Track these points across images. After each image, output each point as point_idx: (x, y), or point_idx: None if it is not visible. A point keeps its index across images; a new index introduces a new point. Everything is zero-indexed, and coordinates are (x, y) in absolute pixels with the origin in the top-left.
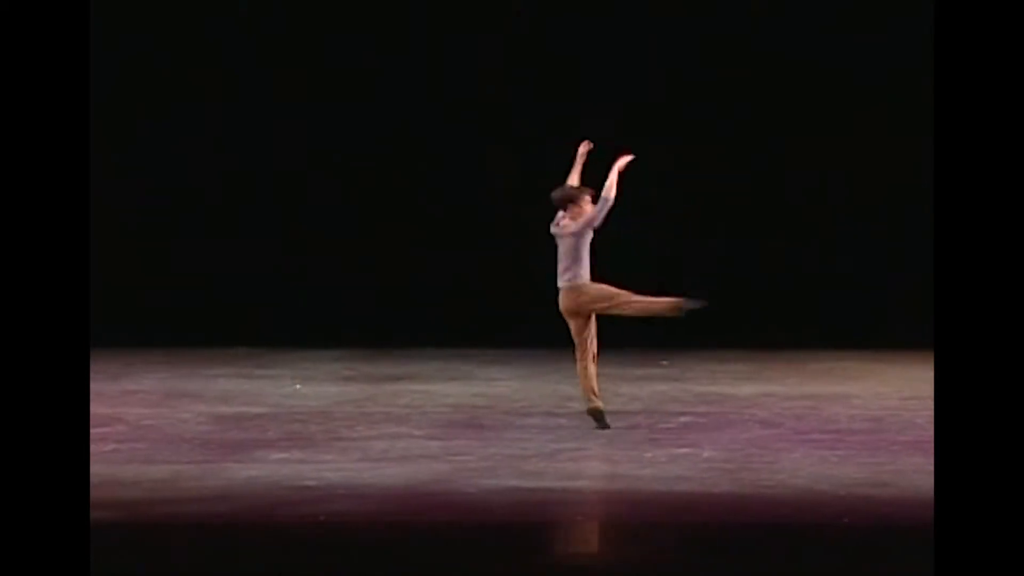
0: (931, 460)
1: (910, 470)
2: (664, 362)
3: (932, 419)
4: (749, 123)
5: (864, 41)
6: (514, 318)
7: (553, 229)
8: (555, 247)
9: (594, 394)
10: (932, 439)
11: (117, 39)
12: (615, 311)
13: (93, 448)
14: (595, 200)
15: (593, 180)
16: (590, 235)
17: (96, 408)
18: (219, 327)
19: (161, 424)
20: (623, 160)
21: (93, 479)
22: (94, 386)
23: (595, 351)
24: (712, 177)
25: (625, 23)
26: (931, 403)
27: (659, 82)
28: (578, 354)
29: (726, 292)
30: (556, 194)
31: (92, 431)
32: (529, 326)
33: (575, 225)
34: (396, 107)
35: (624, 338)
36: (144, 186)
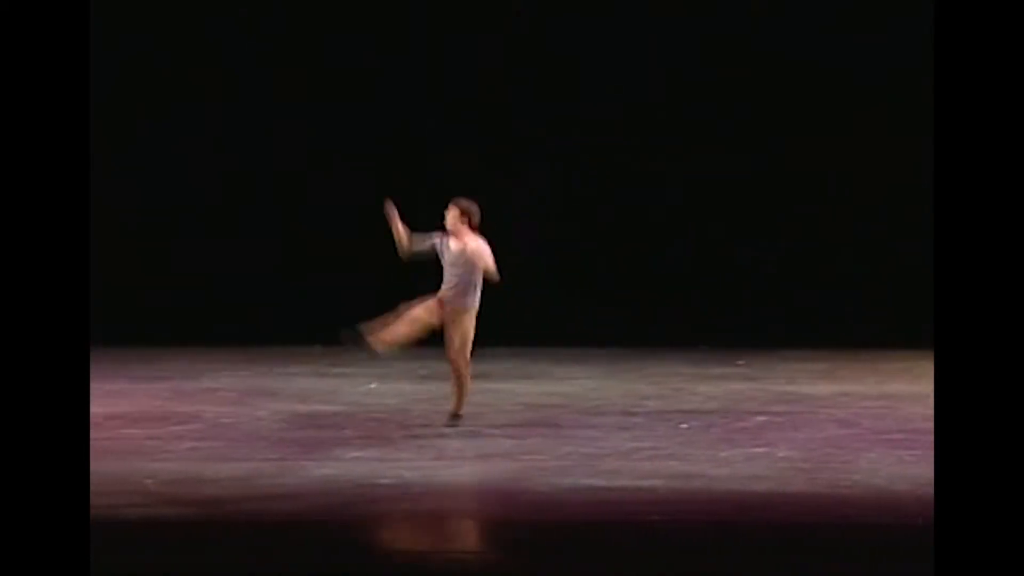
0: None
1: None
2: (741, 362)
3: None
4: (749, 123)
5: (864, 41)
6: (587, 316)
7: (454, 248)
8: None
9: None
10: None
11: (117, 39)
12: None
13: (172, 446)
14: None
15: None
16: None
17: (176, 406)
18: (295, 326)
19: (239, 422)
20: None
21: (172, 476)
22: (173, 384)
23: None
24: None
25: (625, 23)
26: None
27: (659, 82)
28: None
29: (798, 292)
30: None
31: (172, 428)
32: (604, 324)
33: (487, 259)
34: (396, 107)
35: (701, 337)
36: (144, 186)
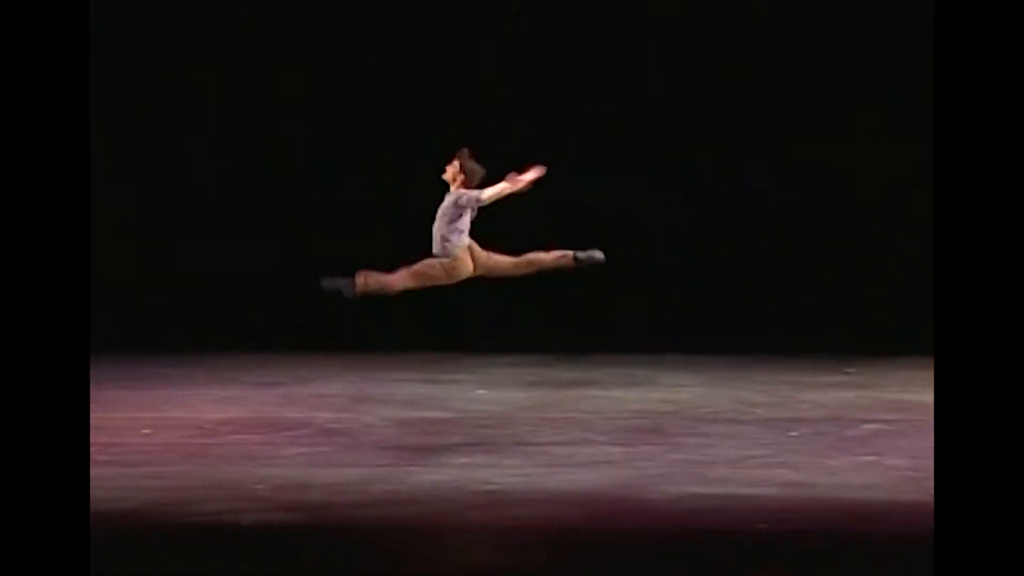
0: None
1: None
2: (851, 370)
3: None
4: (749, 123)
5: (864, 41)
6: (697, 323)
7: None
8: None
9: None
10: None
11: (117, 39)
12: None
13: (283, 451)
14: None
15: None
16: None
17: (285, 412)
18: (402, 332)
19: (348, 428)
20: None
21: (282, 481)
22: (283, 390)
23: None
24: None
25: (625, 23)
26: None
27: (659, 82)
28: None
29: (915, 299)
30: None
31: (282, 434)
32: (713, 331)
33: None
34: (396, 107)
35: (809, 345)
36: (144, 186)
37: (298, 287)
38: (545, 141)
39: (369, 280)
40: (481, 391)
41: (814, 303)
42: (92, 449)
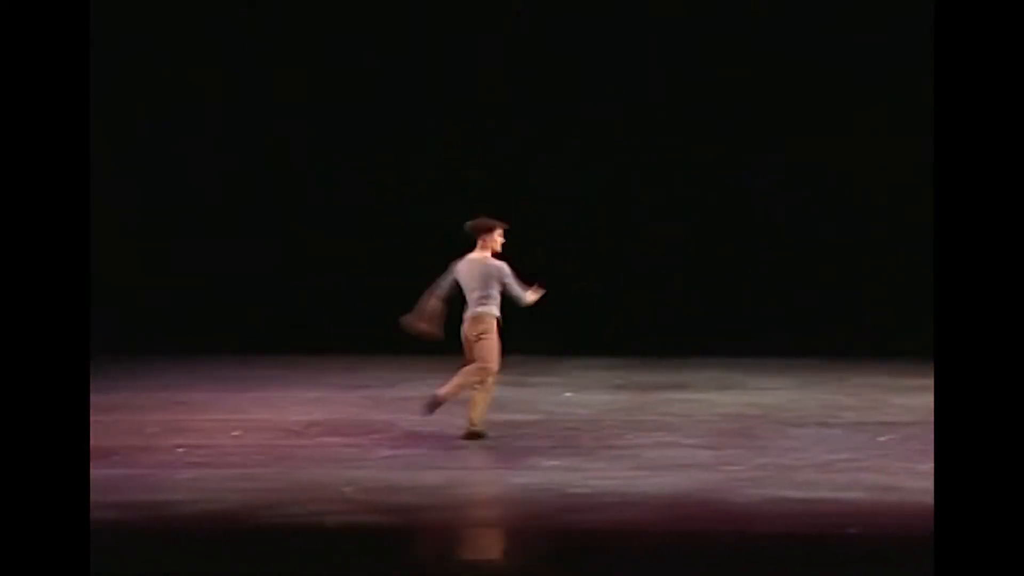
0: None
1: None
2: None
3: None
4: (749, 123)
5: (864, 41)
6: (786, 327)
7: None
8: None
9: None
10: None
11: (117, 39)
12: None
13: (370, 453)
14: (505, 234)
15: None
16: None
17: (373, 414)
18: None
19: (435, 430)
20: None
21: (369, 483)
22: (370, 392)
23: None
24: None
25: (625, 23)
26: None
27: (659, 82)
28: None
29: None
30: (471, 224)
31: (370, 436)
32: (801, 335)
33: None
34: (396, 107)
35: (900, 348)
36: (144, 186)
37: (387, 290)
38: (545, 141)
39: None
40: (569, 394)
41: (916, 307)
42: (182, 451)
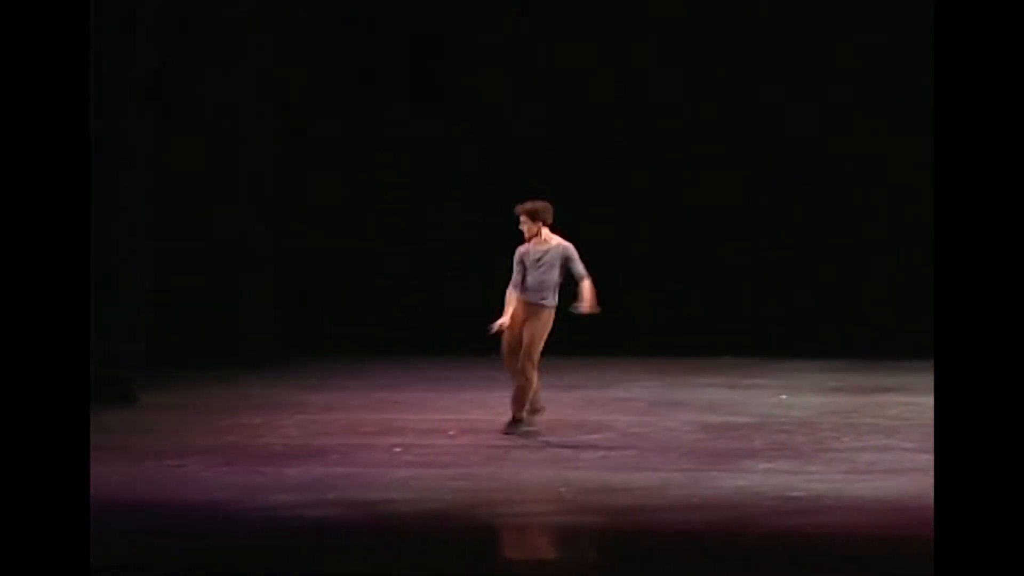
0: None
1: None
2: None
3: None
4: (749, 123)
5: (864, 41)
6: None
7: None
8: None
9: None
10: None
11: (117, 39)
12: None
13: (585, 454)
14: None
15: None
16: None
17: (587, 415)
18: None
19: (650, 432)
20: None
21: (584, 484)
22: (584, 393)
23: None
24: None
25: (625, 23)
26: None
27: (659, 82)
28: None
29: None
30: (529, 205)
31: (582, 438)
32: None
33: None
34: (396, 107)
35: None
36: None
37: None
38: (545, 141)
39: (523, 407)
40: (784, 396)
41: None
42: (398, 450)
